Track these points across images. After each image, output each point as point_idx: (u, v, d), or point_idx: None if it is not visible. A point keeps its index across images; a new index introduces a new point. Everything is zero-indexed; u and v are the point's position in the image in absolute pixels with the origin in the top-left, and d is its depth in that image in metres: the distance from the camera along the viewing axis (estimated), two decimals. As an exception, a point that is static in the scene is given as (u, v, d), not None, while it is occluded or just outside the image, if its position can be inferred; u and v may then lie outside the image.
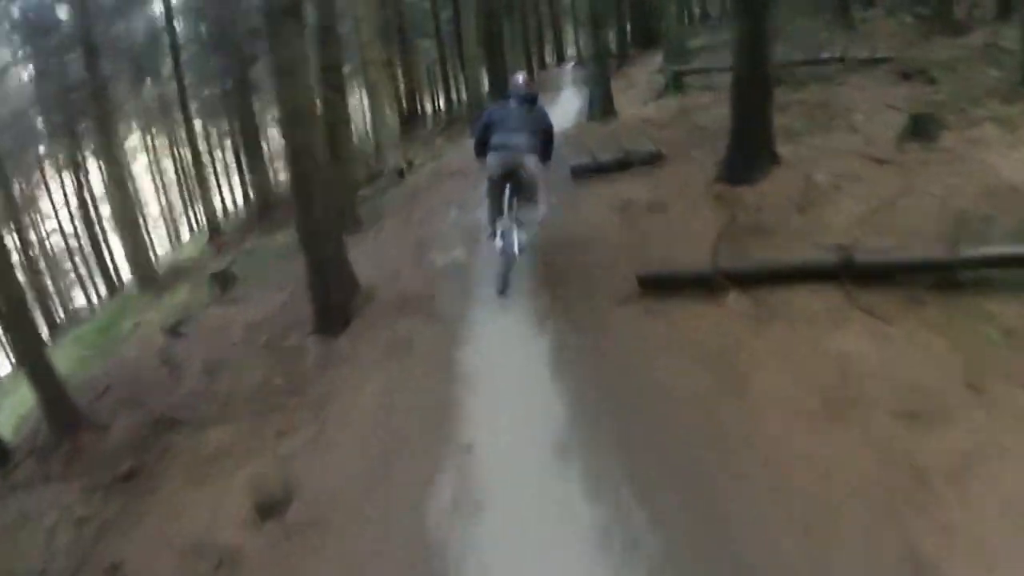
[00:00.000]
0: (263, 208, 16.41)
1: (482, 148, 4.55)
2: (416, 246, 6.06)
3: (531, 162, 4.36)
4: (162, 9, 16.34)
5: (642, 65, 15.04)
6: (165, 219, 31.93)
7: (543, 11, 27.90)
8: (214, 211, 19.35)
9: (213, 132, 27.12)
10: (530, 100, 4.59)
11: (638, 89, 11.86)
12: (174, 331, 7.01)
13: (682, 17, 18.14)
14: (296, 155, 4.81)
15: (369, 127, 17.04)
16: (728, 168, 5.17)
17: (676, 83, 10.20)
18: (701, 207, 4.92)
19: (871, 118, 6.14)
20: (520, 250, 4.44)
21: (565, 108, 11.87)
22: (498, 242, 4.42)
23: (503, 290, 4.32)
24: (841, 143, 5.55)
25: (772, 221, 4.41)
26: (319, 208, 4.83)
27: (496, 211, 4.50)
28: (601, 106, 9.64)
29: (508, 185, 4.38)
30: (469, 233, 5.85)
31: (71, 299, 27.15)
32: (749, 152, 5.11)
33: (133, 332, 10.26)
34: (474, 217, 6.10)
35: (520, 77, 4.85)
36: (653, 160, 6.24)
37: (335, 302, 4.85)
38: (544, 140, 4.51)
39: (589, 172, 6.37)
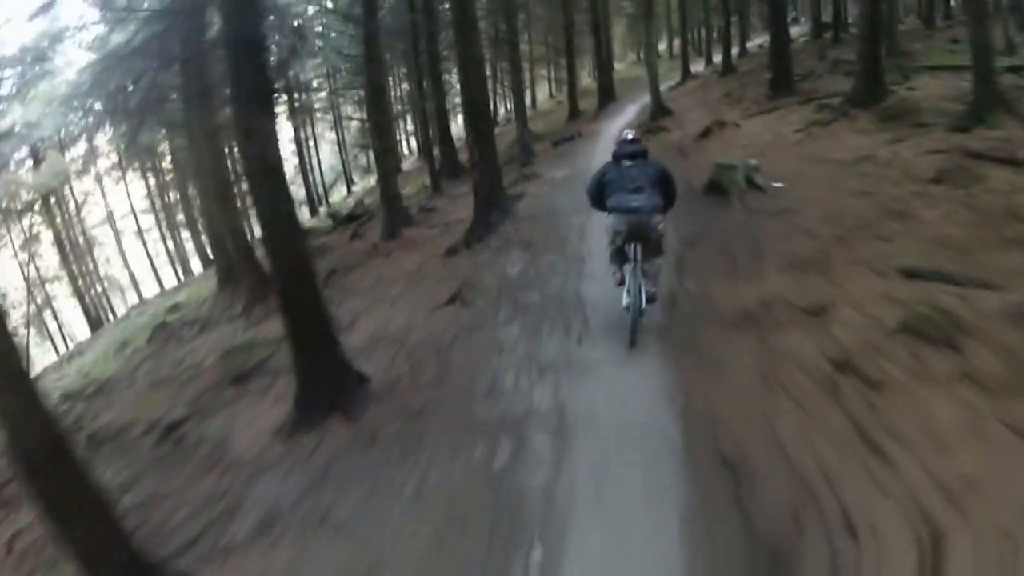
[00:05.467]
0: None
1: (597, 200, 4.60)
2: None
3: (657, 222, 4.34)
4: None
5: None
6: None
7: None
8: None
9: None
10: (641, 155, 4.52)
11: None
12: None
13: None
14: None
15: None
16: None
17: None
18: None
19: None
20: (649, 300, 4.39)
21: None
22: (624, 297, 4.41)
23: (632, 343, 4.24)
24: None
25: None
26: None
27: (621, 264, 4.55)
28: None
29: (634, 246, 4.36)
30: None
31: None
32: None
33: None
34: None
35: (629, 134, 4.79)
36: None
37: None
38: (666, 190, 4.46)
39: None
